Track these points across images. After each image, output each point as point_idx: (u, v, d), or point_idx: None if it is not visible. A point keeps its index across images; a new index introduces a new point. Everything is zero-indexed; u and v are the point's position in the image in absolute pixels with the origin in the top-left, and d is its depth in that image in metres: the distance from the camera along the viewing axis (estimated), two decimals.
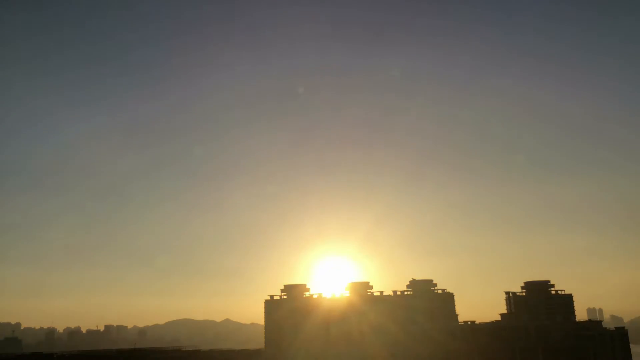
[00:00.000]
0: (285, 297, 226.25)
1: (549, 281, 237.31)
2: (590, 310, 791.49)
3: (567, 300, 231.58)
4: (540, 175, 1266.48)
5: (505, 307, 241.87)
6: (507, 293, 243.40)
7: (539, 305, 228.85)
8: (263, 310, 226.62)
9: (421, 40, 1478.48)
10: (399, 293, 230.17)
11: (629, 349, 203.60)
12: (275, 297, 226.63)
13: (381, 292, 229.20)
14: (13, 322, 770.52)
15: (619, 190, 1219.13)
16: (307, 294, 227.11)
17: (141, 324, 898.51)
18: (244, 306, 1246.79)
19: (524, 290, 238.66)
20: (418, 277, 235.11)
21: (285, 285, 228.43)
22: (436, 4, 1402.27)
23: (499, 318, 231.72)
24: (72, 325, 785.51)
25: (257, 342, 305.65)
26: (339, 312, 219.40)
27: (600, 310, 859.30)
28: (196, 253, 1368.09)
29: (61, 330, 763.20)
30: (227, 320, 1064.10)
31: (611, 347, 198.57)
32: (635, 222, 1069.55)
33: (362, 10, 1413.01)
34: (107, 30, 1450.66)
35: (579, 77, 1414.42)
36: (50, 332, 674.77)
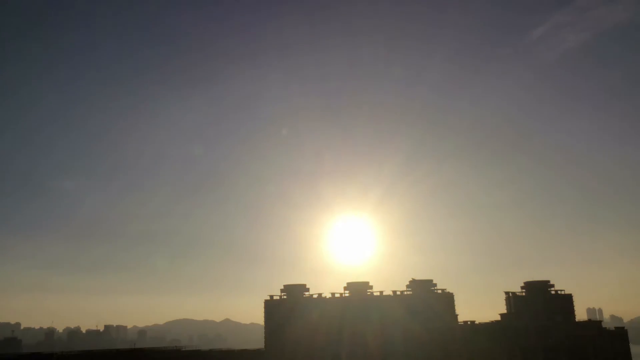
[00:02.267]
0: (285, 297, 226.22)
1: (549, 281, 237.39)
2: (590, 310, 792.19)
3: (567, 300, 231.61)
4: (541, 175, 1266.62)
5: (505, 307, 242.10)
6: (507, 293, 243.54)
7: (539, 305, 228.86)
8: (263, 310, 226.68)
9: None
10: (398, 293, 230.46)
11: (629, 349, 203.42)
12: (275, 297, 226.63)
13: (381, 292, 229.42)
14: (13, 322, 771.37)
15: (619, 190, 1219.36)
16: (307, 294, 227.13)
17: (141, 324, 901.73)
18: (244, 306, 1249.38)
19: (524, 290, 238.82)
20: (418, 277, 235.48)
21: (285, 285, 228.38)
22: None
23: (499, 318, 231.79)
24: (72, 325, 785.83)
25: (257, 342, 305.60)
26: (338, 312, 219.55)
27: (600, 310, 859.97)
28: (196, 253, 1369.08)
29: (61, 330, 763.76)
30: (227, 320, 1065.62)
31: (611, 347, 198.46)
32: (635, 222, 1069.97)
33: None
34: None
35: (581, 73, 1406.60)
36: (50, 332, 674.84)
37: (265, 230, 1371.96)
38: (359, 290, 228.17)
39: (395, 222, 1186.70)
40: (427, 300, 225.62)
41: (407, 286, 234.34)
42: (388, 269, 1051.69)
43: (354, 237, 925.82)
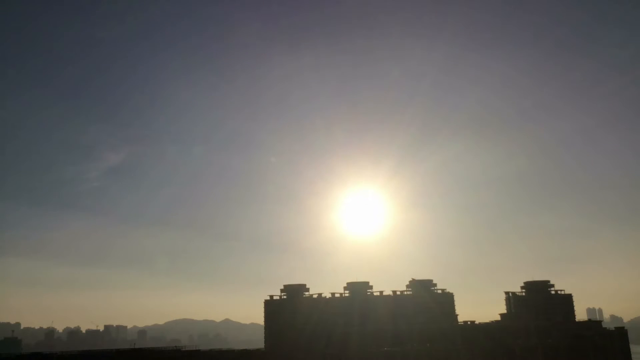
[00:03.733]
0: (285, 297, 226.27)
1: (549, 281, 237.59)
2: (590, 310, 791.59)
3: (567, 300, 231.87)
4: (541, 175, 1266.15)
5: (505, 307, 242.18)
6: (507, 293, 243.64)
7: (539, 305, 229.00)
8: (263, 310, 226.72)
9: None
10: (398, 293, 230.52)
11: (629, 349, 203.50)
12: (275, 297, 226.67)
13: (381, 292, 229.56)
14: (13, 322, 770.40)
15: (619, 189, 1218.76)
16: (307, 294, 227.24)
17: (141, 324, 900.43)
18: (244, 306, 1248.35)
19: (523, 290, 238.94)
20: (418, 277, 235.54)
21: (285, 285, 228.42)
22: None
23: (499, 318, 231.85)
24: (72, 325, 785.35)
25: (257, 342, 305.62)
26: (338, 312, 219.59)
27: (600, 310, 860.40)
28: (196, 253, 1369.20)
29: (61, 330, 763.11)
30: (227, 320, 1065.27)
31: (611, 347, 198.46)
32: (635, 222, 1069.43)
33: None
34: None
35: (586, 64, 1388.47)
36: (50, 332, 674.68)
37: (276, 206, 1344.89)
38: (359, 290, 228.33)
39: (407, 194, 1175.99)
40: (427, 300, 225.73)
41: (407, 286, 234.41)
42: (399, 241, 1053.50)
43: (365, 210, 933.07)
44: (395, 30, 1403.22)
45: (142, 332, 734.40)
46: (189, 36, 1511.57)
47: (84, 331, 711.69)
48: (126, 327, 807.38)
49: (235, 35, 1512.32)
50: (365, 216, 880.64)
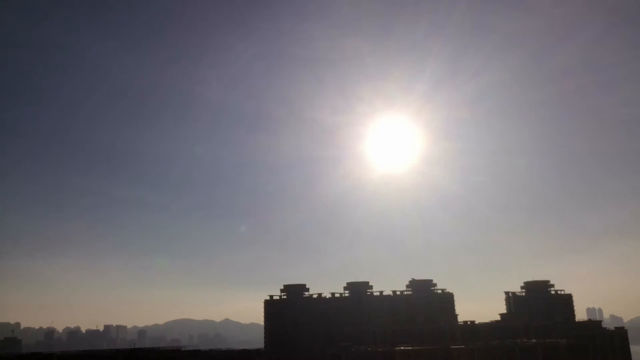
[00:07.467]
0: (285, 297, 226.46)
1: (549, 281, 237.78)
2: (590, 310, 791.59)
3: (567, 300, 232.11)
4: (541, 175, 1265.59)
5: (505, 307, 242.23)
6: (507, 293, 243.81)
7: (539, 305, 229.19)
8: (263, 310, 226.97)
9: None
10: (399, 293, 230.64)
11: (629, 349, 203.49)
12: (275, 297, 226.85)
13: (381, 292, 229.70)
14: (13, 322, 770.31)
15: (619, 189, 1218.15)
16: (307, 294, 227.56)
17: (141, 324, 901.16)
18: (244, 306, 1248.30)
19: (523, 290, 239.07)
20: (418, 277, 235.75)
21: (285, 285, 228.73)
22: None
23: (499, 318, 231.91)
24: (72, 325, 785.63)
25: (257, 342, 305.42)
26: (338, 312, 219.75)
27: (600, 310, 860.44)
28: (196, 253, 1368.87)
29: (60, 330, 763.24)
30: (227, 320, 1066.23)
31: (611, 347, 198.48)
32: (635, 222, 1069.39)
33: None
34: None
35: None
36: (50, 332, 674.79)
37: (300, 138, 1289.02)
38: (358, 290, 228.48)
39: (439, 124, 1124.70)
40: (427, 300, 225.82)
41: (407, 286, 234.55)
42: (430, 172, 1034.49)
43: (394, 140, 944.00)
44: None
45: (142, 332, 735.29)
46: None
47: (84, 331, 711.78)
48: (126, 327, 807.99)
49: None
50: (395, 146, 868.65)
